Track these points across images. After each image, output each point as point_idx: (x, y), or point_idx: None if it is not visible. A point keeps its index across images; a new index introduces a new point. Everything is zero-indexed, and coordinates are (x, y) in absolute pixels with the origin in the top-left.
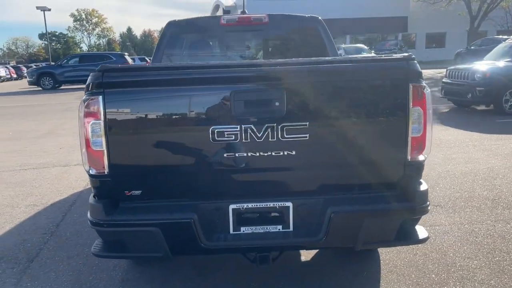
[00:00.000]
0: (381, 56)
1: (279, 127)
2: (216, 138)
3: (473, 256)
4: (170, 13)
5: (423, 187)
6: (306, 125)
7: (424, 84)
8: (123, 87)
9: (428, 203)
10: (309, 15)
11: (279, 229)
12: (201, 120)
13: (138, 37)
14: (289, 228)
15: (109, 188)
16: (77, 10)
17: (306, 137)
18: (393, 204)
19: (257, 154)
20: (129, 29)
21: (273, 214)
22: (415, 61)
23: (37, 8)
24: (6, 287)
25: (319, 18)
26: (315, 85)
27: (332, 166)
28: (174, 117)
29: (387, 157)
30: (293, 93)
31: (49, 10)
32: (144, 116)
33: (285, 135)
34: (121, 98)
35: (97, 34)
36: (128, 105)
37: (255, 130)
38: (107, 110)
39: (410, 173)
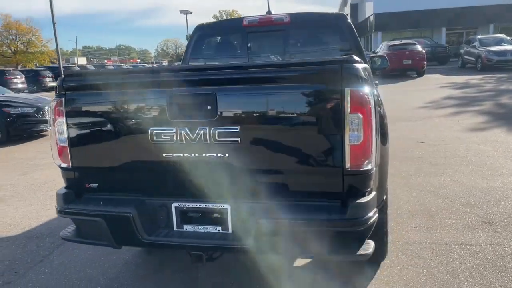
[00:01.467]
0: (315, 60)
1: (211, 130)
2: (155, 139)
3: (488, 282)
4: (308, 9)
5: (364, 198)
6: (237, 129)
7: (365, 90)
8: (80, 90)
9: (368, 215)
10: (334, 12)
11: (218, 230)
12: (142, 121)
13: None
14: (228, 230)
15: (74, 180)
16: (219, 11)
17: (237, 141)
18: (323, 214)
19: (193, 155)
20: None
21: (214, 215)
22: (355, 64)
23: (180, 12)
24: (37, 257)
25: (345, 15)
26: (245, 90)
27: (265, 172)
28: (119, 118)
29: (322, 166)
30: (224, 98)
31: (191, 13)
32: (95, 116)
33: (217, 138)
34: (79, 100)
35: None
36: (84, 107)
37: (189, 132)
38: (67, 111)
39: (350, 183)
